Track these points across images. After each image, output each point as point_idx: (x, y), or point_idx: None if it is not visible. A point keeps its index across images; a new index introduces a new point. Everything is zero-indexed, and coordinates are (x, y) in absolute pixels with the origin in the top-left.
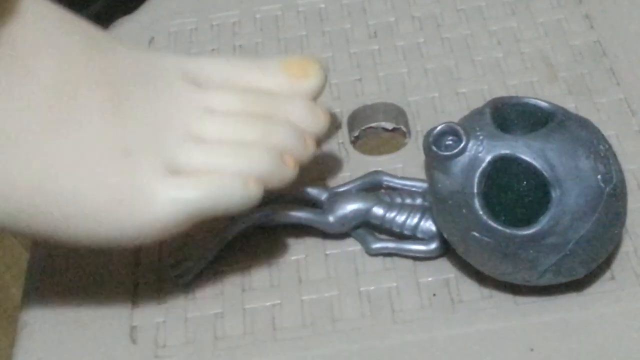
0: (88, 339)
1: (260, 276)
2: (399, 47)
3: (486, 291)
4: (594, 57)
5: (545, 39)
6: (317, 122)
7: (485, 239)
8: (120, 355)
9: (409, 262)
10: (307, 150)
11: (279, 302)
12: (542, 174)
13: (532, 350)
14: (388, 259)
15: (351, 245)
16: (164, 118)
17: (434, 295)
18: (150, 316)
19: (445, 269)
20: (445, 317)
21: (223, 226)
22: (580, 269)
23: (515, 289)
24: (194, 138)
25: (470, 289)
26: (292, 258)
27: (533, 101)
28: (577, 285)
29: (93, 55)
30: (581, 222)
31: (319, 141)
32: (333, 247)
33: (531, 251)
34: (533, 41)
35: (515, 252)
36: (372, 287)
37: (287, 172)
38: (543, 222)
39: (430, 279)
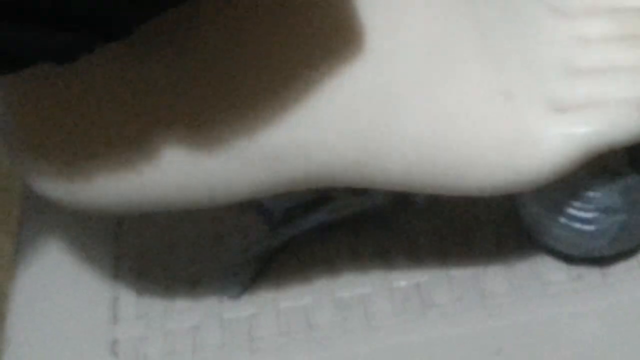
0: (69, 354)
1: None
2: None
3: (457, 294)
4: None
5: None
6: None
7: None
8: None
9: (382, 267)
10: None
11: (255, 311)
12: None
13: (499, 351)
14: (362, 262)
15: (326, 250)
16: (538, 54)
17: (406, 299)
18: (131, 329)
19: (417, 273)
20: (417, 322)
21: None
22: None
23: (484, 291)
24: (572, 71)
25: (441, 292)
26: (269, 266)
27: None
28: (543, 285)
29: None
30: None
31: None
32: (307, 253)
33: None
34: None
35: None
36: (347, 294)
37: None
38: None
39: (403, 283)
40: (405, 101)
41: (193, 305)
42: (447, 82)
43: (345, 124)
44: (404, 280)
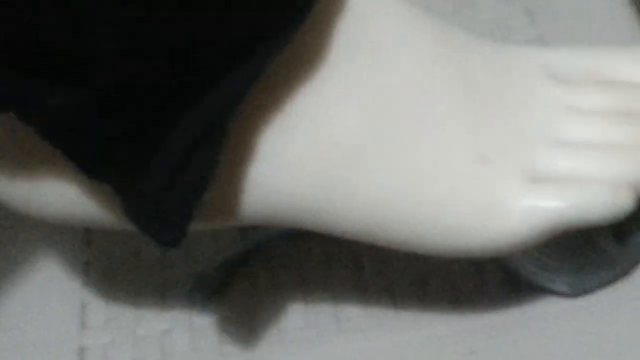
0: None
1: None
2: None
3: (428, 296)
4: None
5: (488, 35)
6: None
7: None
8: None
9: (353, 270)
10: None
11: (225, 316)
12: None
13: (471, 353)
14: (333, 265)
15: (297, 254)
16: (523, 120)
17: (378, 301)
18: (100, 336)
19: (389, 275)
20: (389, 324)
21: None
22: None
23: (455, 293)
24: (556, 141)
25: (413, 293)
26: (239, 271)
27: None
28: (515, 287)
29: (445, 50)
30: None
31: None
32: (278, 258)
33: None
34: None
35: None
36: (318, 297)
37: None
38: None
39: (374, 286)
40: (373, 158)
41: (162, 311)
42: (419, 140)
43: (307, 168)
44: (376, 283)
